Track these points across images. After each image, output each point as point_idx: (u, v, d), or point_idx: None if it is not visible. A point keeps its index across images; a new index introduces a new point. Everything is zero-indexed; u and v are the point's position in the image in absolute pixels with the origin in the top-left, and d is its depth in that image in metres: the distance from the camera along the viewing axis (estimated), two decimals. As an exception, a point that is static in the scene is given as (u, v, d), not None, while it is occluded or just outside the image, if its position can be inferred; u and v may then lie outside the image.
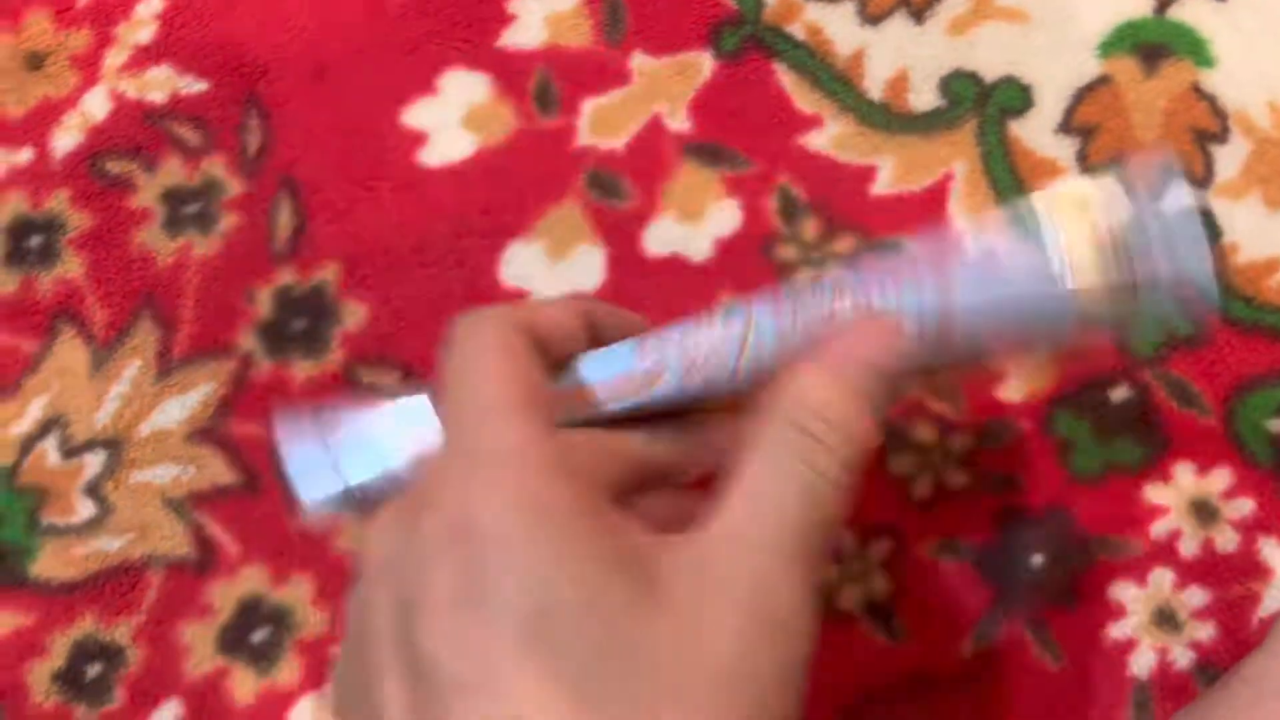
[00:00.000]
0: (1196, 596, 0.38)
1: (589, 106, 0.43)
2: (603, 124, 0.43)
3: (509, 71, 0.43)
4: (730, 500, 0.20)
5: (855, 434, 0.22)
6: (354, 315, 0.41)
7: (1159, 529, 0.38)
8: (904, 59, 0.43)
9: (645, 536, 0.20)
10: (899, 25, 0.43)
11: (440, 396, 0.24)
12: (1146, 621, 0.38)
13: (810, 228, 0.41)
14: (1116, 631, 0.38)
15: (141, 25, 0.44)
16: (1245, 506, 0.39)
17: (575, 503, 0.19)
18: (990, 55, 0.43)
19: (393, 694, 0.19)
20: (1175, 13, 0.43)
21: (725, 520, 0.20)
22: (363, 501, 0.26)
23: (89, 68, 0.43)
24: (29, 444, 0.40)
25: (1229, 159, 0.41)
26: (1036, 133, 0.42)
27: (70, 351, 0.41)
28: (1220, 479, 0.39)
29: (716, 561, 0.20)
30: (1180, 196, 0.26)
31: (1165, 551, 0.38)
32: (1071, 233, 0.26)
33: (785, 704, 0.20)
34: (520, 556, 0.19)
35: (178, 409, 0.41)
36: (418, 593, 0.20)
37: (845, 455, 0.22)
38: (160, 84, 0.43)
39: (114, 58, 0.43)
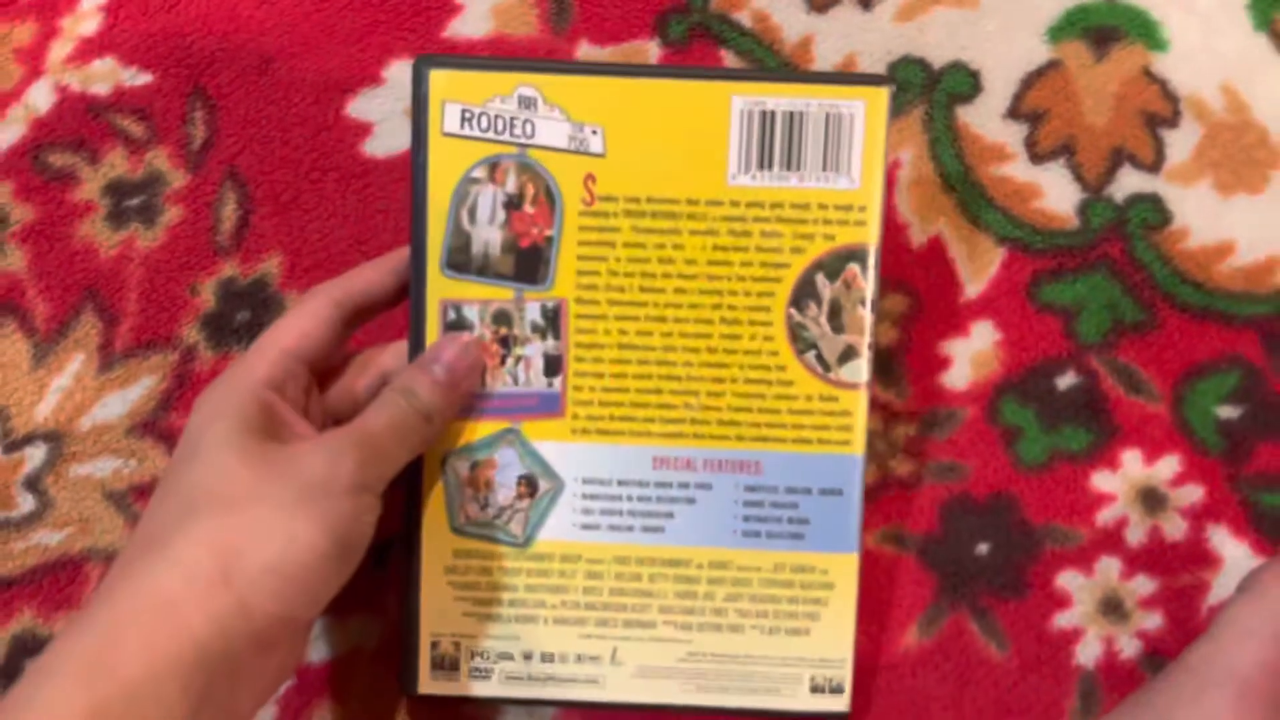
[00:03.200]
0: (1144, 585, 0.38)
1: (534, 96, 0.43)
2: (548, 113, 0.43)
3: (454, 61, 0.44)
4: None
5: (429, 398, 0.35)
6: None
7: (1106, 517, 0.39)
8: (851, 45, 0.43)
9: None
10: (847, 12, 0.44)
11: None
12: (1093, 611, 0.38)
13: (756, 216, 0.42)
14: (1063, 621, 0.38)
15: (86, 17, 0.44)
16: (1194, 494, 0.39)
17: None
18: (938, 41, 0.43)
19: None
20: (1126, -4, 0.43)
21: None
22: None
23: (33, 60, 0.44)
24: (-30, 438, 0.41)
25: (1180, 143, 0.42)
26: (985, 118, 0.42)
27: (11, 345, 0.42)
28: (1168, 466, 0.39)
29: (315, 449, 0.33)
30: None
31: (1112, 540, 0.39)
32: None
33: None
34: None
35: (119, 403, 0.41)
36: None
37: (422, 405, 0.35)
38: (104, 76, 0.44)
39: (58, 50, 0.44)
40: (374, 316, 0.38)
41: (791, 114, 0.36)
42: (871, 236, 0.36)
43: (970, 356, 0.40)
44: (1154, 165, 0.42)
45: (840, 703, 0.36)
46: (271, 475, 0.31)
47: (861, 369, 0.36)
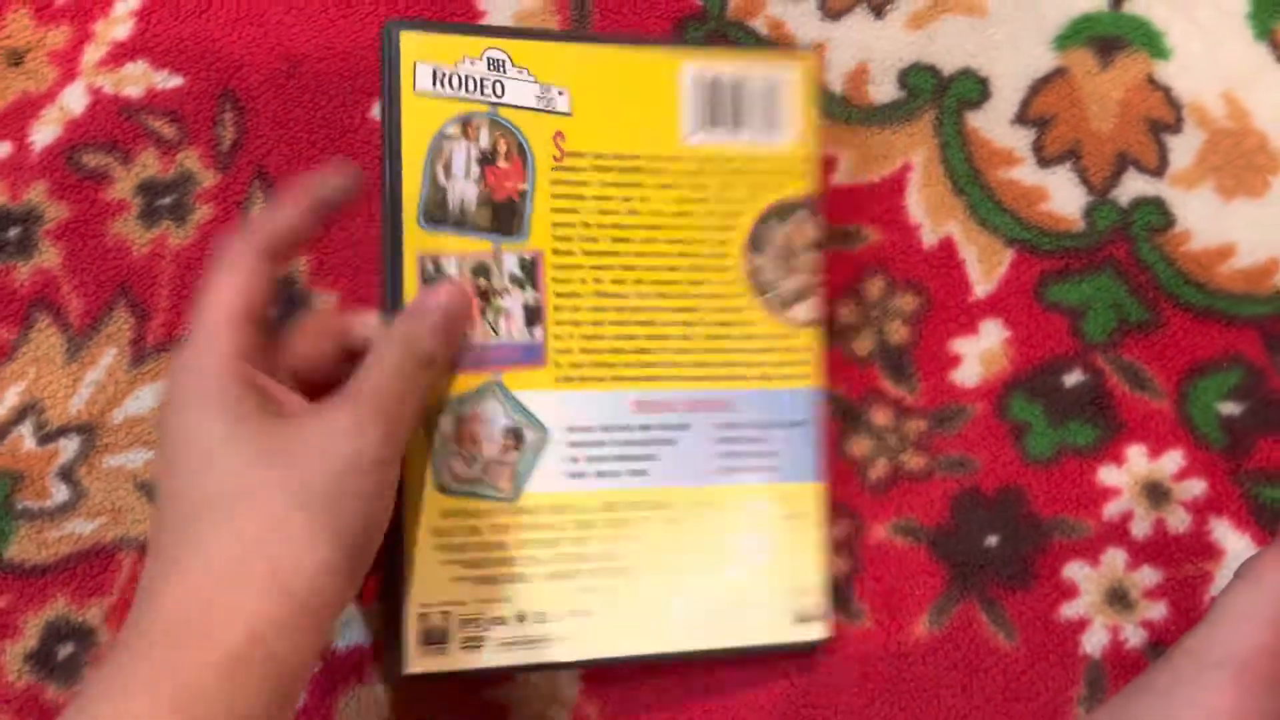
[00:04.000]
0: (1148, 576, 0.40)
1: (555, 100, 0.45)
2: (569, 117, 0.45)
3: (477, 66, 0.45)
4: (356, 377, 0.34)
5: (430, 345, 0.35)
6: (324, 304, 0.43)
7: (1111, 510, 0.40)
8: (864, 53, 0.45)
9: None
10: (859, 19, 0.45)
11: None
12: (1099, 601, 0.39)
13: (771, 217, 0.43)
14: (1070, 611, 0.39)
15: (119, 22, 0.46)
16: (1197, 488, 0.40)
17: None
18: (949, 48, 0.45)
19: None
20: (1131, 6, 0.45)
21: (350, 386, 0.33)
22: None
23: (67, 63, 0.46)
24: (5, 430, 0.42)
25: (1183, 149, 0.43)
26: (993, 124, 0.44)
27: (46, 340, 0.43)
28: (1172, 461, 0.41)
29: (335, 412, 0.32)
30: None
31: (1118, 532, 0.40)
32: None
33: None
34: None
35: (151, 396, 0.43)
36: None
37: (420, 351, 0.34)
38: (137, 79, 0.45)
39: (92, 53, 0.46)
40: (295, 257, 0.39)
41: (735, 80, 0.39)
42: (812, 186, 0.40)
43: (980, 354, 0.42)
44: (1158, 170, 0.43)
45: (821, 630, 0.38)
46: (291, 463, 0.30)
47: (813, 307, 0.39)
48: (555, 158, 0.38)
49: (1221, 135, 0.44)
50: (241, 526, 0.30)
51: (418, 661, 0.36)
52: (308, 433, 0.31)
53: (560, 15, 0.46)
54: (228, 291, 0.34)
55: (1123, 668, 0.39)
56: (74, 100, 0.45)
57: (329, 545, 0.30)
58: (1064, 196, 0.43)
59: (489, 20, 0.46)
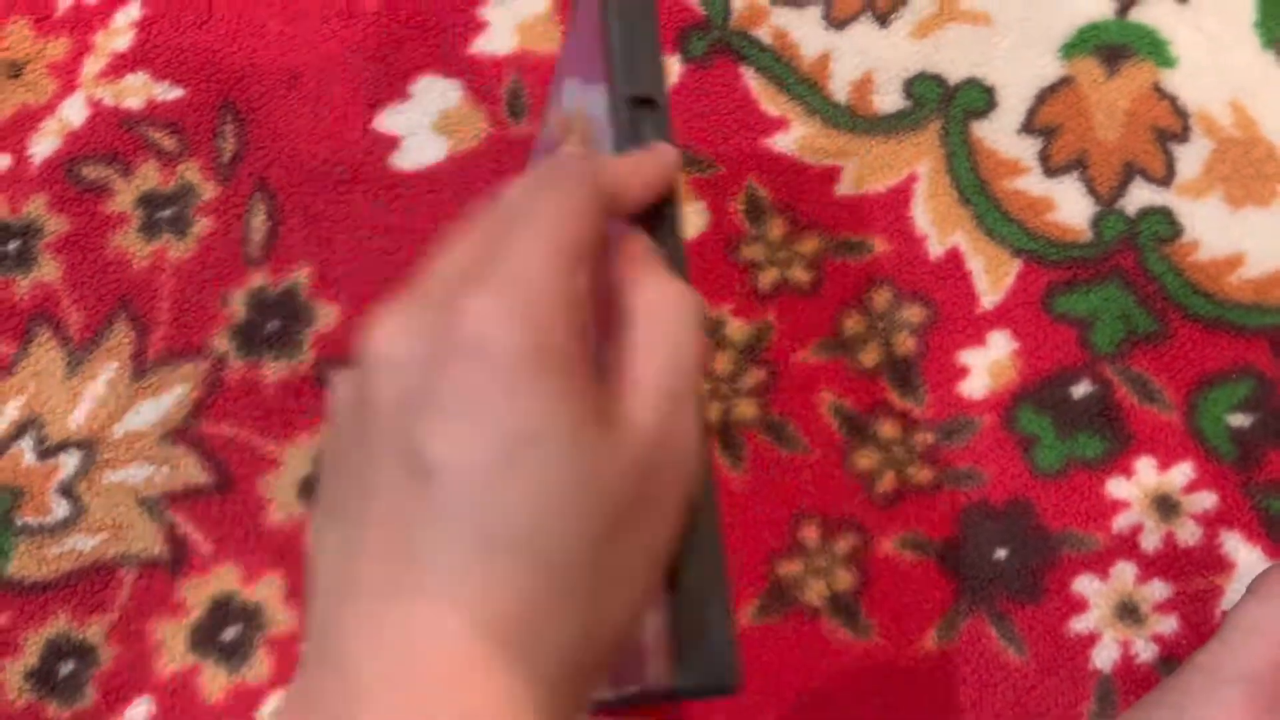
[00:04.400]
0: (1159, 590, 0.39)
1: (558, 111, 0.45)
2: (572, 128, 0.45)
3: (481, 77, 0.45)
4: (628, 363, 0.25)
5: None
6: (326, 316, 0.43)
7: (1121, 523, 0.40)
8: (869, 62, 0.45)
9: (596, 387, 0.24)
10: (864, 29, 0.45)
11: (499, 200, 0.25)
12: (1109, 615, 0.39)
13: (776, 228, 0.43)
14: (1079, 625, 0.39)
15: (119, 33, 0.46)
16: (1207, 500, 0.40)
17: (573, 353, 0.23)
18: (954, 57, 0.45)
19: (385, 483, 0.22)
20: (1137, 14, 0.45)
21: (630, 379, 0.24)
22: None
23: (67, 75, 0.45)
24: (4, 445, 0.42)
25: (1190, 158, 0.43)
26: (999, 133, 0.44)
27: (46, 354, 0.43)
28: (1182, 474, 0.40)
29: (637, 409, 0.24)
30: None
31: (1127, 545, 0.40)
32: None
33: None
34: (524, 387, 0.22)
35: (152, 410, 0.42)
36: (426, 397, 0.22)
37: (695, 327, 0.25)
38: (137, 91, 0.45)
39: (92, 65, 0.45)
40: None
41: None
42: None
43: (987, 366, 0.42)
44: (1165, 179, 0.43)
45: None
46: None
47: None
48: None
49: (1229, 144, 0.44)
50: None
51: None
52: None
53: (563, 26, 0.46)
54: (562, 225, 0.24)
55: (1133, 682, 0.39)
56: (74, 112, 0.45)
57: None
58: (1071, 206, 0.43)
59: (491, 32, 0.46)
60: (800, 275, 0.43)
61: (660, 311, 0.25)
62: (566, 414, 0.22)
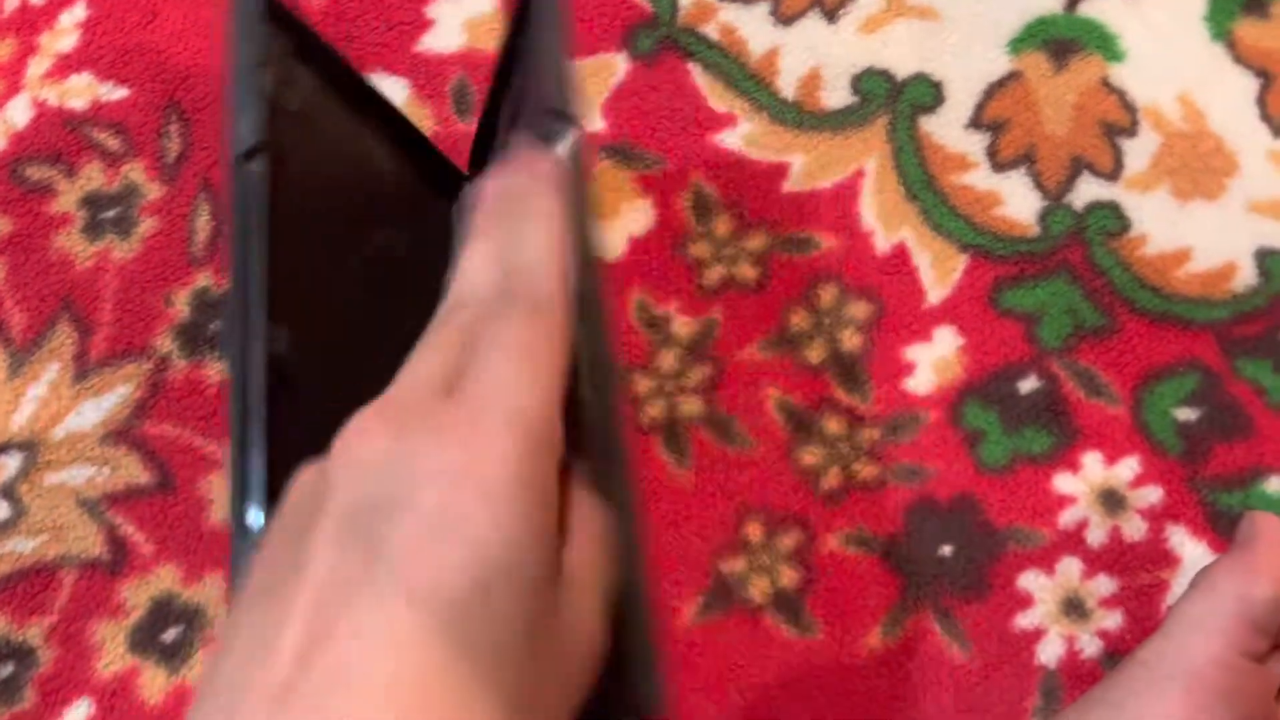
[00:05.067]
0: (1104, 585, 0.39)
1: (505, 108, 0.45)
2: (519, 125, 0.44)
3: (427, 75, 0.45)
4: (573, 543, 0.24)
5: None
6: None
7: (1067, 518, 0.40)
8: (816, 58, 0.45)
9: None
10: (812, 25, 0.45)
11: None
12: (1055, 610, 0.39)
13: (722, 225, 0.43)
14: (1025, 621, 0.39)
15: (64, 34, 0.46)
16: (1153, 495, 0.40)
17: (547, 490, 0.23)
18: (902, 53, 0.44)
19: (327, 564, 0.21)
20: (1086, 8, 0.45)
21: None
22: None
23: (12, 76, 0.45)
24: (-54, 447, 0.42)
25: (1138, 152, 0.43)
26: (947, 128, 0.44)
27: (-12, 355, 0.42)
28: (1128, 468, 0.40)
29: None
30: None
31: (1073, 540, 0.40)
32: None
33: None
34: (506, 517, 0.22)
35: (94, 411, 0.42)
36: (397, 506, 0.22)
37: None
38: (81, 91, 0.45)
39: (36, 66, 0.45)
40: None
41: None
42: None
43: (933, 361, 0.41)
44: (1113, 173, 0.43)
45: None
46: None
47: None
48: None
49: (1177, 138, 0.43)
50: None
51: None
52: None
53: (510, 23, 0.46)
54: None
55: (1078, 678, 0.39)
56: (18, 113, 0.45)
57: None
58: (1018, 201, 0.43)
59: (438, 29, 0.46)
60: (747, 272, 0.43)
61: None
62: (543, 552, 0.22)
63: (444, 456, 0.22)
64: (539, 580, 0.22)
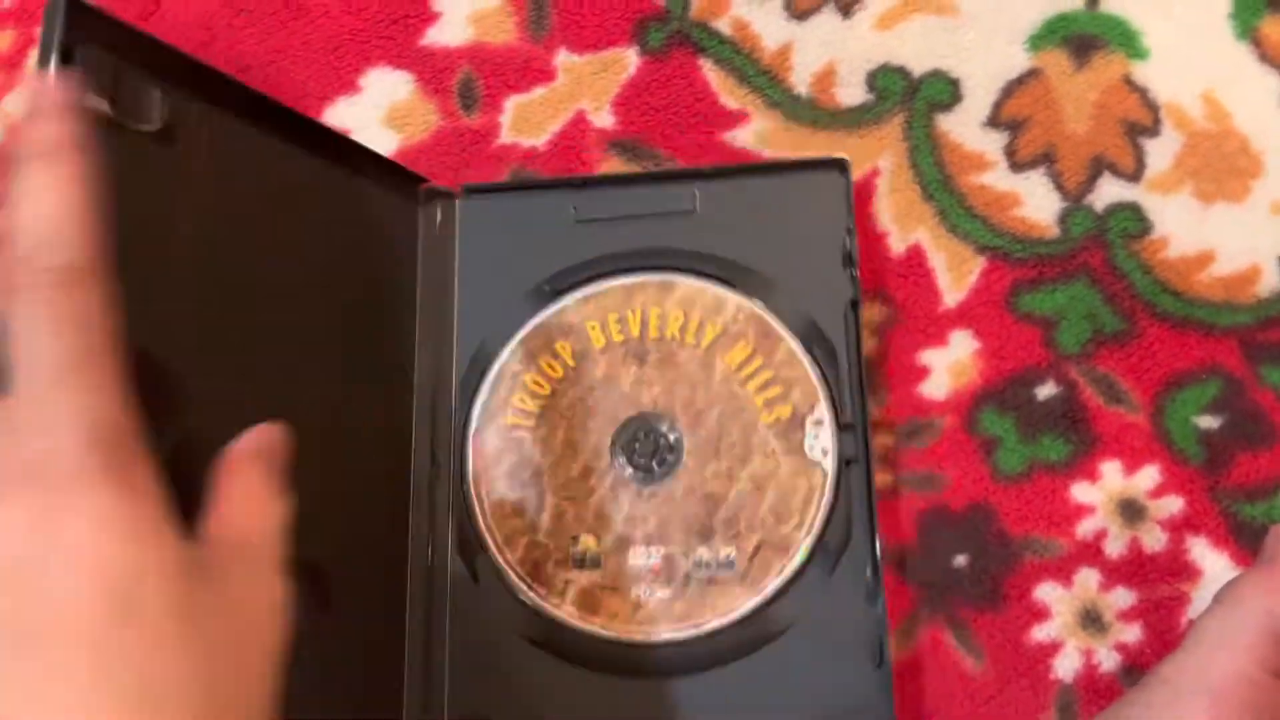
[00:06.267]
0: (1123, 598, 0.38)
1: (512, 104, 0.44)
2: (526, 121, 0.43)
3: (432, 69, 0.44)
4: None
5: None
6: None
7: (1085, 528, 0.39)
8: (831, 53, 0.44)
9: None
10: (827, 20, 0.44)
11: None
12: (1071, 623, 0.38)
13: (733, 224, 0.42)
14: (1041, 633, 0.38)
15: (63, 26, 0.44)
16: (1173, 505, 0.39)
17: (136, 484, 0.24)
18: (918, 49, 0.43)
19: None
20: (1108, 5, 0.43)
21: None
22: None
23: (12, 69, 0.44)
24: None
25: (1160, 152, 0.42)
26: (965, 126, 0.43)
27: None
28: (1148, 477, 0.39)
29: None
30: None
31: (1091, 551, 0.39)
32: None
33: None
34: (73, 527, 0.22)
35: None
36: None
37: None
38: (81, 84, 0.44)
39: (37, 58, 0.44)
40: None
41: None
42: None
43: (949, 366, 0.40)
44: (1134, 174, 0.42)
45: None
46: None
47: None
48: None
49: (1200, 138, 0.42)
50: None
51: None
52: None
53: (517, 16, 0.45)
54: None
55: (1095, 692, 0.38)
56: (19, 105, 0.44)
57: None
58: (1037, 202, 0.42)
59: (443, 22, 0.45)
60: (758, 273, 0.42)
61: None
62: (143, 545, 0.23)
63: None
64: (148, 574, 0.22)
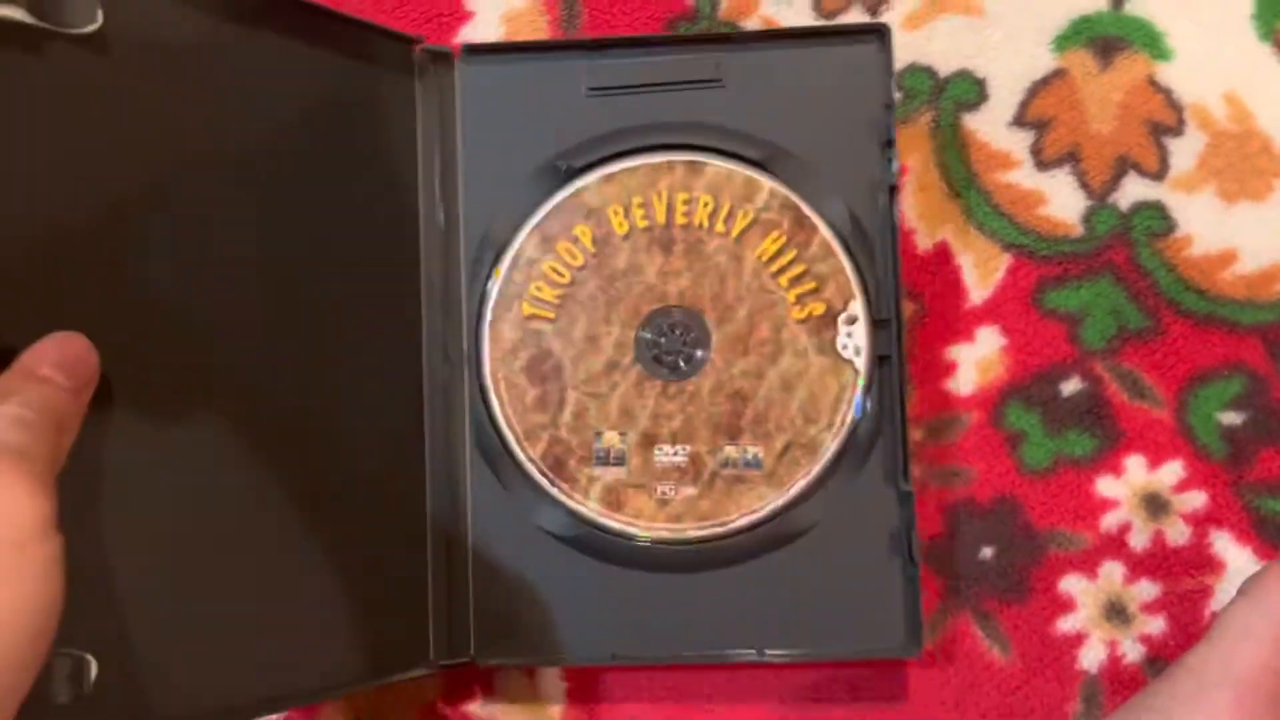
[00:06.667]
0: (1147, 590, 0.39)
1: (544, 102, 0.44)
2: (558, 119, 0.44)
3: (465, 67, 0.44)
4: None
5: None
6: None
7: (1109, 522, 0.39)
8: (859, 53, 0.44)
9: None
10: (854, 19, 0.44)
11: None
12: (1096, 615, 0.39)
13: (763, 221, 0.42)
14: (1066, 625, 0.39)
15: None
16: (1197, 500, 0.39)
17: None
18: (945, 49, 0.44)
19: None
20: (1131, 6, 0.44)
21: None
22: None
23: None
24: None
25: (1184, 152, 0.43)
26: (991, 126, 0.43)
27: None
28: (1172, 472, 0.40)
29: None
30: None
31: (1116, 545, 0.39)
32: None
33: None
34: None
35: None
36: None
37: None
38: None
39: None
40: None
41: None
42: None
43: (976, 362, 0.41)
44: (1158, 173, 0.42)
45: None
46: None
47: None
48: None
49: (1224, 138, 0.43)
50: None
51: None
52: None
53: (550, 15, 0.45)
54: None
55: (1120, 683, 0.38)
56: None
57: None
58: (1062, 200, 0.42)
59: (477, 21, 0.45)
60: (787, 269, 0.42)
61: None
62: None
63: None
64: None
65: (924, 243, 0.42)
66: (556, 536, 0.36)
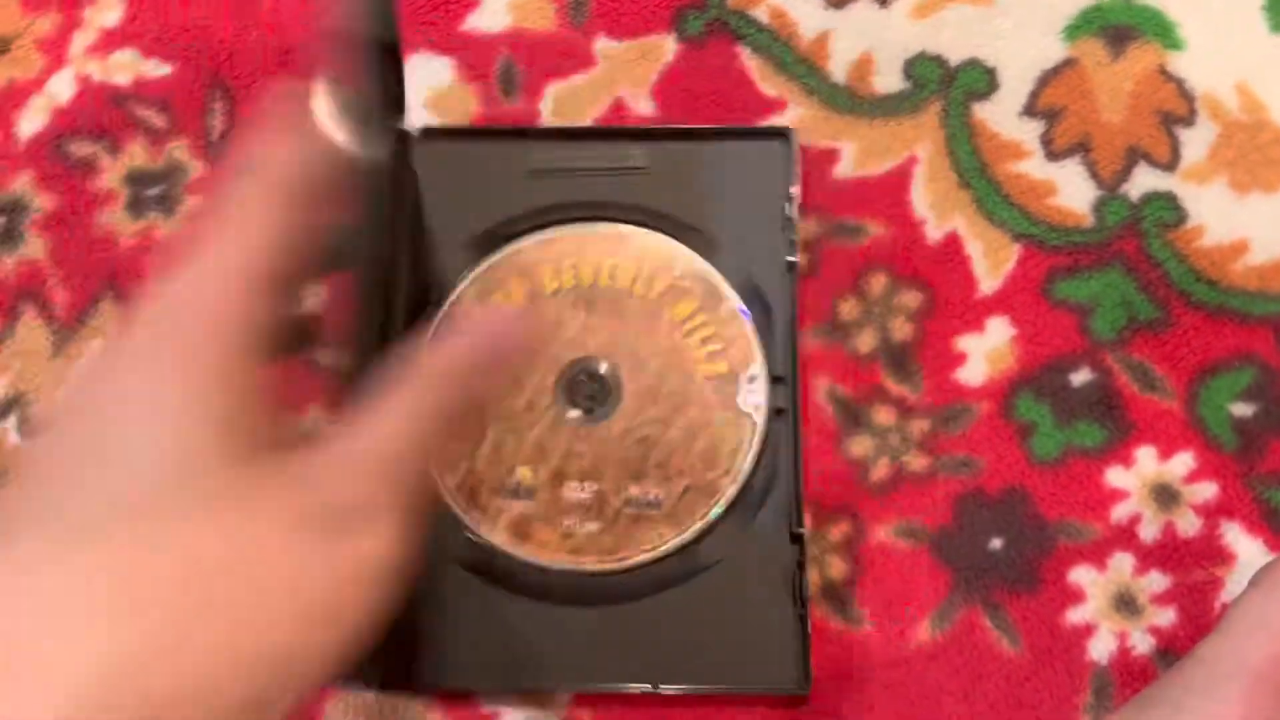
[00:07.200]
0: (1157, 581, 0.39)
1: (552, 90, 0.44)
2: (566, 107, 0.44)
3: (472, 55, 0.45)
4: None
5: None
6: (312, 296, 0.42)
7: (1119, 513, 0.39)
8: (868, 42, 0.44)
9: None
10: (863, 8, 0.44)
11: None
12: (1106, 606, 0.38)
13: (772, 210, 0.42)
14: (1076, 616, 0.38)
15: (108, 8, 0.45)
16: (1207, 491, 0.39)
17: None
18: (955, 38, 0.44)
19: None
20: (1143, -4, 0.43)
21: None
22: None
23: (55, 51, 0.45)
24: (-11, 424, 0.41)
25: (1196, 142, 0.42)
26: (1001, 115, 0.43)
27: (31, 333, 0.42)
28: (1182, 463, 0.39)
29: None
30: None
31: (1126, 536, 0.39)
32: None
33: None
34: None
35: (137, 390, 0.41)
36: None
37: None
38: (126, 67, 0.44)
39: (80, 40, 0.45)
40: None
41: None
42: None
43: (985, 352, 0.41)
44: (1169, 163, 0.42)
45: None
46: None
47: None
48: None
49: (1236, 128, 0.42)
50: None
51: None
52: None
53: (557, 3, 0.45)
54: (249, 242, 0.24)
55: (1130, 675, 0.38)
56: (62, 88, 0.44)
57: None
58: (1073, 191, 0.42)
59: (483, 8, 0.45)
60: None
61: None
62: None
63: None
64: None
65: (933, 233, 0.42)
66: (465, 565, 0.38)
